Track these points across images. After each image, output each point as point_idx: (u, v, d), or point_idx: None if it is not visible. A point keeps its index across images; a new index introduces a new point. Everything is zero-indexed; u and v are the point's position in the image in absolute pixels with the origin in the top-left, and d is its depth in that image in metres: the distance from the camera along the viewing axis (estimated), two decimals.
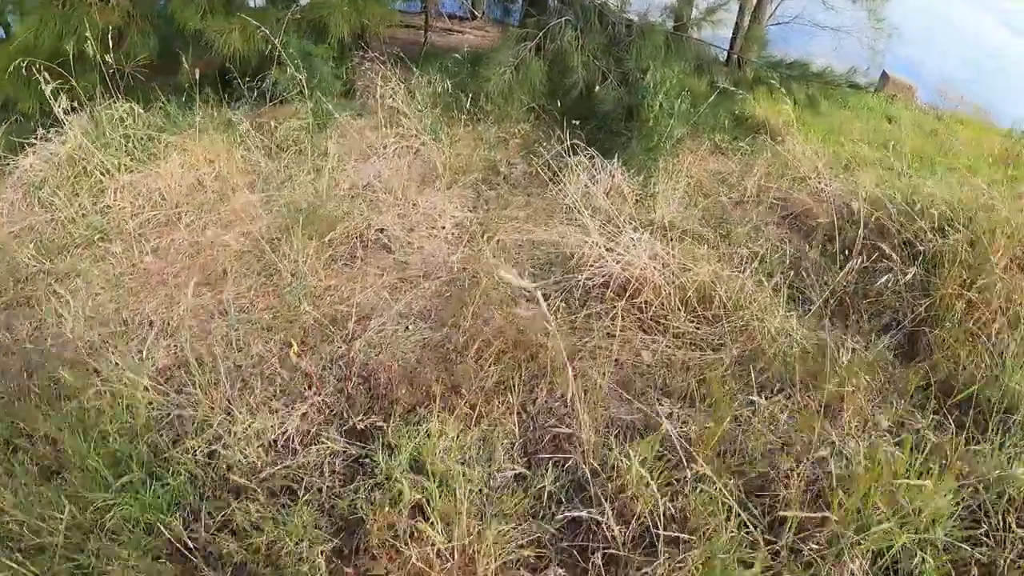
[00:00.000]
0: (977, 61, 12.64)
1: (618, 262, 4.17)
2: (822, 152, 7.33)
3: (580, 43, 6.74)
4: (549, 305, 4.26)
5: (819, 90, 6.74)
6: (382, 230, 4.72)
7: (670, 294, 4.12)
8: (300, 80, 5.58)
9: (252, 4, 7.32)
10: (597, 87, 6.37)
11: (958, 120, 9.74)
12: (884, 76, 10.39)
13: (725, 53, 8.23)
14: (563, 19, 6.76)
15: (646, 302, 4.11)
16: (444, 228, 4.88)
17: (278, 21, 6.00)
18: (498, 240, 4.78)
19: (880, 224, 5.37)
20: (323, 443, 3.32)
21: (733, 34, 8.69)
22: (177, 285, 4.39)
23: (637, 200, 5.46)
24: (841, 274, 4.38)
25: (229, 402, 3.46)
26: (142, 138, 5.52)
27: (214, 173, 5.36)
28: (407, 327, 4.01)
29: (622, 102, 6.22)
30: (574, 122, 5.98)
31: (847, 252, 5.13)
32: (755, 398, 3.58)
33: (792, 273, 4.70)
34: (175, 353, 3.90)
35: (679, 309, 4.14)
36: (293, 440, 3.39)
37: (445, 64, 6.97)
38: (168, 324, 4.11)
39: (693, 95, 6.34)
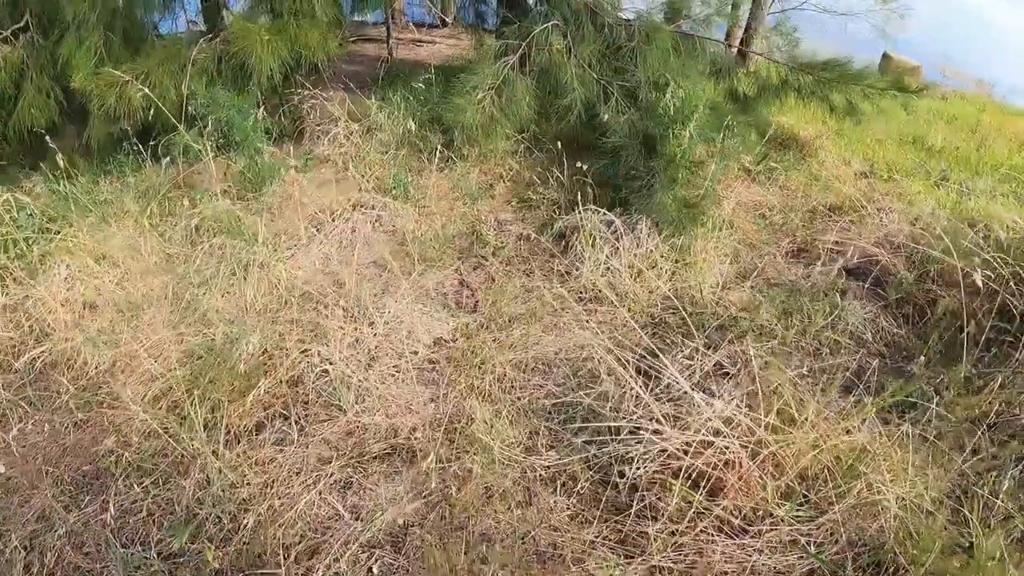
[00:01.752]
0: (972, 33, 10.80)
1: (679, 431, 2.50)
2: (856, 161, 5.66)
3: (572, 52, 4.93)
4: (579, 492, 2.61)
5: (860, 95, 5.00)
6: (327, 370, 2.99)
7: (761, 479, 2.48)
8: (216, 139, 3.82)
9: (169, 27, 5.39)
10: (601, 111, 4.59)
11: (978, 105, 7.98)
12: (886, 57, 8.58)
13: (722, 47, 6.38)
14: (549, 23, 4.93)
15: (731, 499, 2.46)
16: (417, 353, 3.15)
17: (194, 63, 4.15)
18: (494, 367, 3.09)
19: (967, 275, 3.77)
20: None
21: (729, 25, 6.80)
22: (56, 483, 2.70)
23: (674, 272, 3.75)
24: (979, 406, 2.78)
25: None
26: (27, 239, 3.72)
27: (119, 278, 3.59)
28: (370, 569, 2.34)
29: (635, 130, 4.44)
30: (577, 164, 4.21)
31: (948, 328, 3.56)
32: None
33: (900, 387, 3.06)
34: None
35: (775, 498, 2.50)
36: None
37: (412, 88, 5.12)
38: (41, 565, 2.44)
39: (722, 115, 4.61)
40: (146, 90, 3.59)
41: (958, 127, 7.03)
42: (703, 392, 2.80)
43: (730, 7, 6.14)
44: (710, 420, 2.40)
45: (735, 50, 6.60)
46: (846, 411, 2.83)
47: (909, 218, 4.62)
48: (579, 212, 3.78)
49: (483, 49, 5.31)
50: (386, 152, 4.66)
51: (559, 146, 4.37)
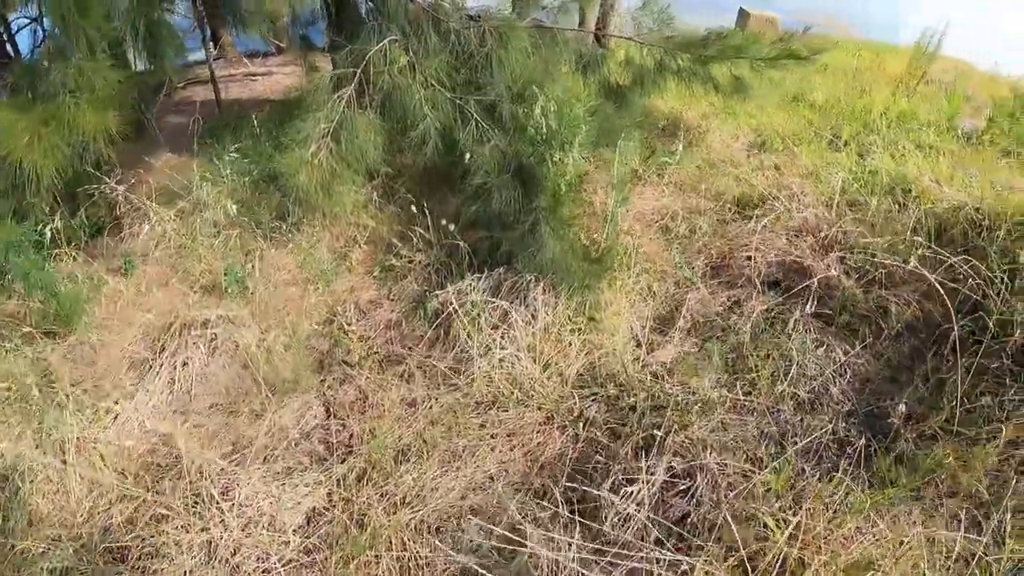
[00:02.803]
0: None
1: None
2: (744, 134, 5.05)
3: (417, 70, 4.00)
4: None
5: (748, 68, 4.35)
6: None
7: None
8: None
9: None
10: (460, 139, 3.72)
11: (848, 49, 7.55)
12: (743, 14, 8.02)
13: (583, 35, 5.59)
14: (386, 40, 3.98)
15: None
16: (288, 544, 2.24)
17: None
18: (389, 544, 2.22)
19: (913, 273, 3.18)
20: None
21: (582, 7, 5.95)
22: None
23: (585, 341, 2.95)
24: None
25: None
26: None
27: None
28: None
29: (505, 160, 3.59)
30: (442, 222, 3.33)
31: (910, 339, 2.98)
32: None
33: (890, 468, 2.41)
34: None
35: None
36: None
37: (241, 147, 4.04)
38: None
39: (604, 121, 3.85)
40: None
41: (833, 75, 6.59)
42: (663, 532, 2.06)
43: None
44: None
45: (592, 37, 5.84)
46: (838, 507, 2.16)
47: (823, 199, 4.04)
48: (453, 286, 2.92)
49: (314, 82, 4.30)
50: (217, 234, 3.62)
51: (419, 192, 3.49)
